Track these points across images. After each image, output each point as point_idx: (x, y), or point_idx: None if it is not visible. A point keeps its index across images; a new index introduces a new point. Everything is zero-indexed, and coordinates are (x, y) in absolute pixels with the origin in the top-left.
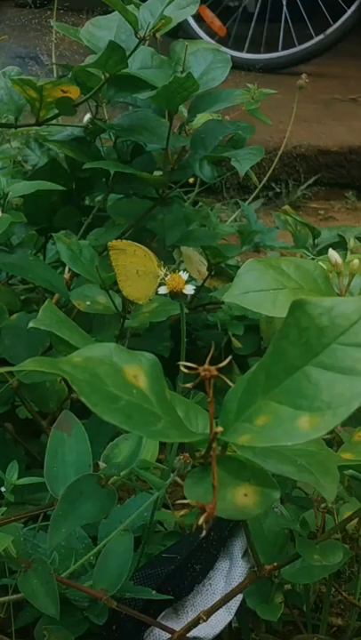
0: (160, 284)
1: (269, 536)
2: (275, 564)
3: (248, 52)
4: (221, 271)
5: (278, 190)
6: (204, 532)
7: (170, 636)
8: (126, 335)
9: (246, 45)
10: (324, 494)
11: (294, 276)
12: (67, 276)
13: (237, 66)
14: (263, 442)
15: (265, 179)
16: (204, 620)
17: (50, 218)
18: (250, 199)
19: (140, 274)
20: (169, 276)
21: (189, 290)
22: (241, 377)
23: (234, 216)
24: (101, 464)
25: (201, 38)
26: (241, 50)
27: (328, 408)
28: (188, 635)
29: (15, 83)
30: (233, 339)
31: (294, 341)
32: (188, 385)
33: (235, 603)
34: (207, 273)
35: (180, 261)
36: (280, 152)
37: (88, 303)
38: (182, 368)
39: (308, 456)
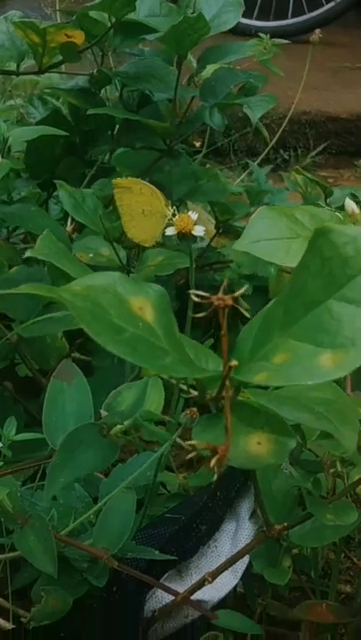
0: (168, 225)
1: (278, 496)
2: (284, 524)
3: (257, 19)
4: (229, 229)
5: (287, 157)
6: (215, 476)
7: (173, 598)
8: None
9: (255, 12)
10: (343, 442)
11: (309, 225)
12: (69, 228)
13: (246, 33)
14: (281, 380)
15: (274, 139)
16: (210, 582)
17: (52, 170)
18: (258, 160)
19: (146, 213)
20: (177, 217)
21: (199, 231)
22: (257, 314)
23: (242, 177)
24: (103, 412)
25: None
26: (250, 17)
27: (352, 345)
28: (191, 597)
29: (17, 26)
30: (240, 299)
31: (316, 273)
32: (200, 315)
33: (241, 565)
34: (215, 231)
35: None
36: (289, 115)
37: (91, 255)
38: (193, 297)
39: (326, 404)
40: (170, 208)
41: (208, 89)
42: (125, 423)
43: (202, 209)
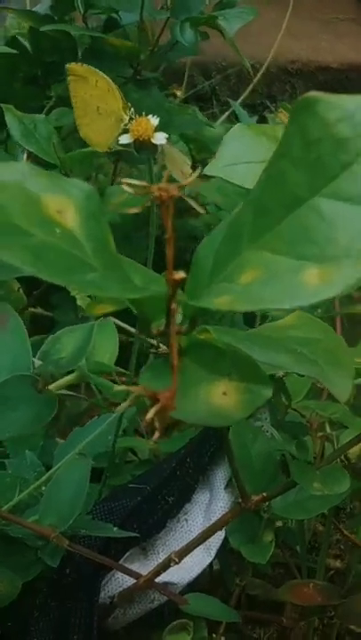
0: (123, 132)
1: (257, 462)
2: (263, 494)
3: None
4: None
5: (273, 109)
6: (156, 434)
7: (135, 581)
8: None
9: None
10: (334, 391)
11: None
12: (24, 160)
13: None
14: (250, 303)
15: (256, 78)
16: (176, 563)
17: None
18: (240, 100)
19: (101, 112)
20: (134, 122)
21: (160, 139)
22: (220, 223)
23: (222, 118)
24: (37, 361)
25: None
26: None
27: (346, 256)
28: (157, 579)
29: None
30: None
31: (299, 160)
32: (134, 210)
33: (215, 541)
34: (191, 172)
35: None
36: (269, 57)
37: None
38: (125, 187)
39: (312, 344)
40: (128, 112)
41: (180, 5)
42: (71, 376)
43: (178, 150)
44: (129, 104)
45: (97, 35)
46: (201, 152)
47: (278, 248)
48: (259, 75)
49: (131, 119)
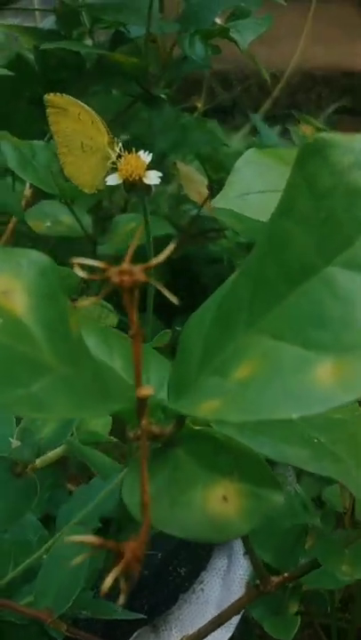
0: (112, 170)
1: (279, 528)
2: (285, 574)
3: None
4: None
5: (298, 119)
6: (121, 599)
7: None
8: None
9: None
10: (358, 495)
11: None
12: (27, 191)
13: None
14: (245, 412)
15: (277, 88)
16: None
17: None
18: (261, 110)
19: (85, 148)
20: (123, 159)
21: (153, 179)
22: (211, 295)
23: (243, 132)
24: (14, 442)
25: None
26: None
27: None
28: None
29: None
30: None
31: (306, 219)
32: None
33: (235, 616)
34: (208, 193)
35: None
36: (291, 64)
37: (48, 224)
38: (77, 269)
39: (332, 428)
40: (115, 146)
41: (190, 15)
42: (58, 450)
43: (195, 170)
44: (116, 138)
45: (100, 52)
46: (218, 171)
47: (282, 333)
48: (279, 86)
49: (119, 156)
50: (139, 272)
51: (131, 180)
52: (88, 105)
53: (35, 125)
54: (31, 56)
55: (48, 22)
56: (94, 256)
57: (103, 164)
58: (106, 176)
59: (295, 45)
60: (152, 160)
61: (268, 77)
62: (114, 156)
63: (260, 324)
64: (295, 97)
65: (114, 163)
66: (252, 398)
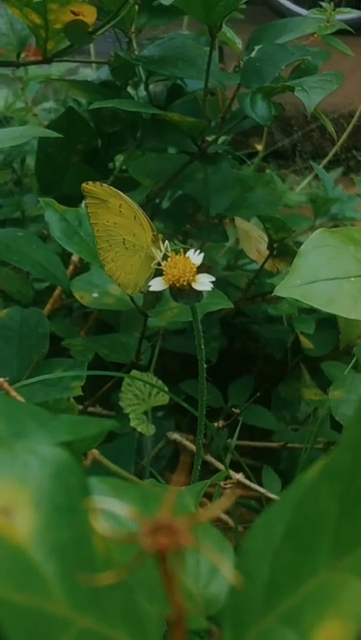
0: (156, 272)
1: None
2: None
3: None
4: (286, 250)
5: (360, 158)
6: None
7: None
8: (157, 336)
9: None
10: None
11: None
12: (75, 257)
13: None
14: None
15: (342, 137)
16: None
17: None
18: (324, 162)
19: (127, 245)
20: (168, 261)
21: (205, 284)
22: (277, 501)
23: (305, 182)
24: None
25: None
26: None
27: None
28: None
29: (11, 4)
30: (301, 337)
31: None
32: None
33: None
34: (268, 252)
35: (235, 239)
36: (356, 115)
37: (95, 295)
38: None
39: None
40: (161, 245)
41: (251, 71)
42: None
43: (255, 226)
44: (160, 235)
45: (155, 112)
46: (278, 231)
47: None
48: (344, 136)
49: (165, 256)
50: (175, 537)
51: (178, 286)
52: (143, 160)
53: (90, 179)
54: (83, 108)
55: (104, 72)
56: (145, 329)
57: (147, 265)
58: (150, 278)
59: (354, 82)
60: (208, 219)
61: (332, 127)
62: (159, 256)
63: (349, 558)
64: (357, 139)
65: (159, 263)
66: None
